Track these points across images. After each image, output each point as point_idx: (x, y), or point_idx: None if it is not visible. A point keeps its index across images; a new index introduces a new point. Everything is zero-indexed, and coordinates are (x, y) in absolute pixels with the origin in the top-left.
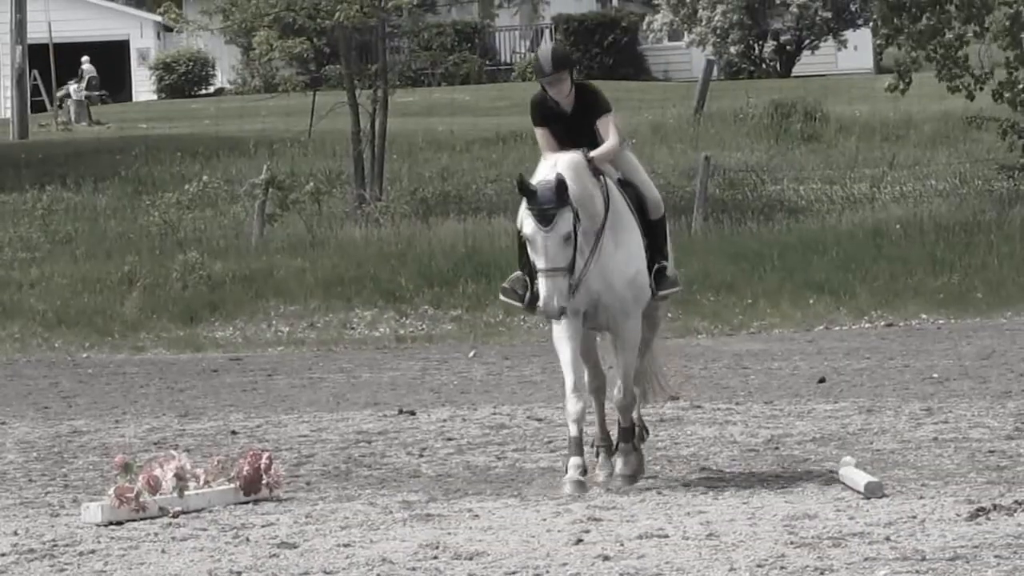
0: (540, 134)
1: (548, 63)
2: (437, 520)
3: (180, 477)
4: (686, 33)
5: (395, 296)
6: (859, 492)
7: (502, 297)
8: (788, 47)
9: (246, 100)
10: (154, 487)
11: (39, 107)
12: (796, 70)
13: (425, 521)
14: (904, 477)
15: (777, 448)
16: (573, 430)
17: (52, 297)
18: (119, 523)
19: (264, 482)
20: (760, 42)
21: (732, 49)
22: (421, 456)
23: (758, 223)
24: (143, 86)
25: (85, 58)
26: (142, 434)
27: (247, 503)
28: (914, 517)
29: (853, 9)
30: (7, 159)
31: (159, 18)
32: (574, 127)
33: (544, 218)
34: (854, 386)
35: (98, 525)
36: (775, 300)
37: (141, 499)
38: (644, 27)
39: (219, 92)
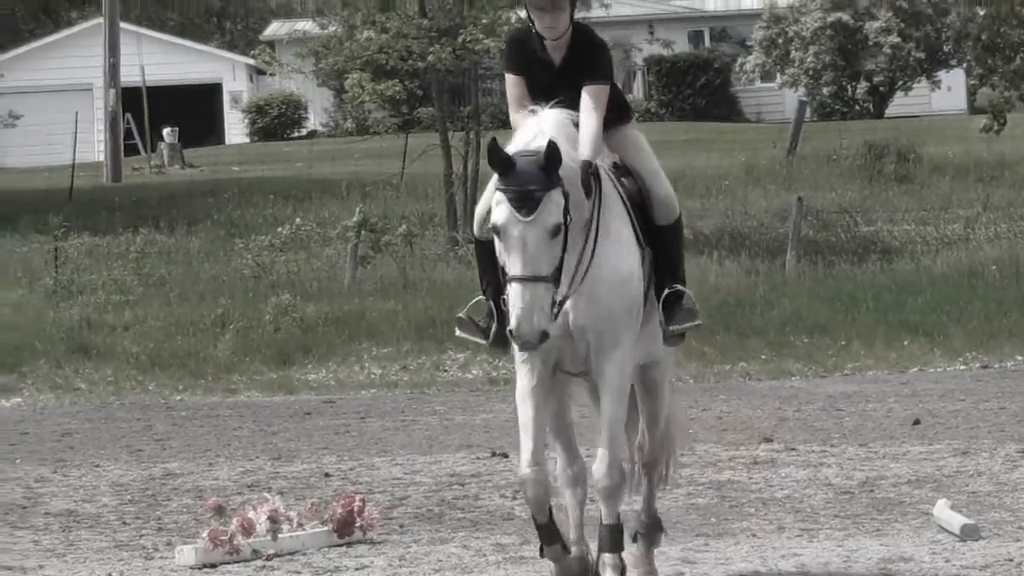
0: (512, 83)
1: None
2: (531, 563)
3: (274, 520)
4: (779, 74)
5: None
6: (955, 535)
7: (458, 331)
8: (881, 88)
9: (338, 142)
10: (248, 530)
11: (132, 150)
12: (889, 111)
13: (519, 564)
14: (1000, 520)
15: (872, 490)
16: (540, 517)
17: (146, 340)
18: (212, 566)
19: (357, 524)
20: (853, 83)
21: (825, 90)
22: (514, 499)
23: (852, 264)
24: (235, 129)
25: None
26: (235, 477)
27: (340, 546)
28: (1010, 560)
29: (947, 50)
30: (101, 202)
31: (252, 61)
32: (558, 83)
33: (525, 202)
34: (949, 428)
35: (192, 568)
36: (869, 341)
37: (235, 542)
38: (736, 68)
39: (311, 135)
